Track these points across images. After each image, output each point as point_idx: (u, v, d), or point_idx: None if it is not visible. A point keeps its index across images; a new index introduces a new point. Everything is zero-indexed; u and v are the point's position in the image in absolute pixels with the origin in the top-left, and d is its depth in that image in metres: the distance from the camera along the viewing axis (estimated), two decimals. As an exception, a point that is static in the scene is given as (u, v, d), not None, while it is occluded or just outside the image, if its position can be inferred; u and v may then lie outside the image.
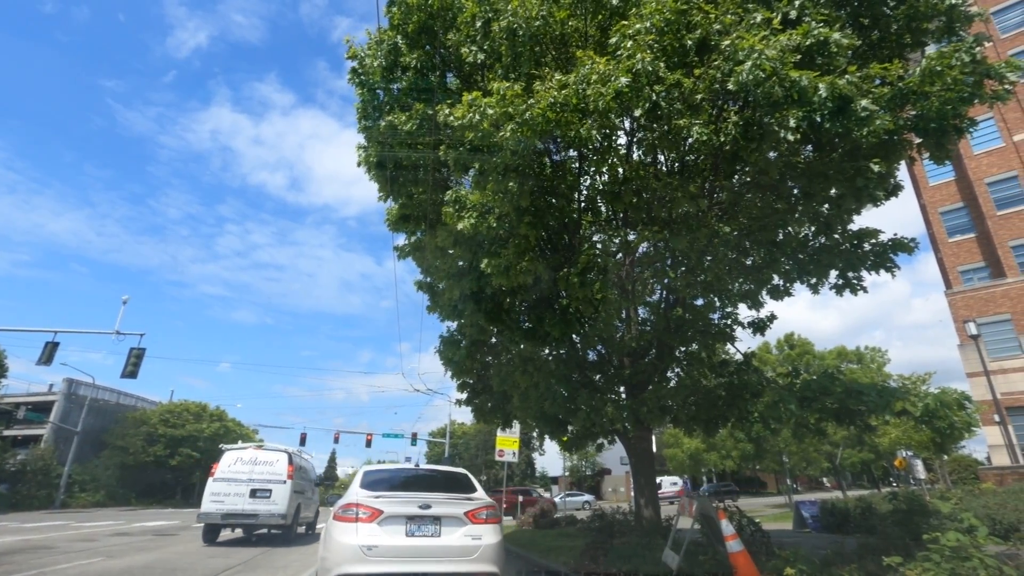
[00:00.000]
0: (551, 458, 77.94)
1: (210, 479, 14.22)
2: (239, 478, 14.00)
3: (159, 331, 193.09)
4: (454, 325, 11.96)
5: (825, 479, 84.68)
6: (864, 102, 5.09)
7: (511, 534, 15.80)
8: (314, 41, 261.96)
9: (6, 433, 42.76)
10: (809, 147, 6.02)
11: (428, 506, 5.58)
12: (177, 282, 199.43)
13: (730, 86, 5.08)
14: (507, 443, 18.33)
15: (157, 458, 48.53)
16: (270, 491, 13.91)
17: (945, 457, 24.94)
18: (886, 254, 7.66)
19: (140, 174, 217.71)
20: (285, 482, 14.12)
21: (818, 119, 5.05)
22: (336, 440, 49.32)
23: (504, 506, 30.44)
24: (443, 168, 9.85)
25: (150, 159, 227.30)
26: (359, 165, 10.95)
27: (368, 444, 49.84)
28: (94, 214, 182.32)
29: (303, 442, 48.92)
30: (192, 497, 58.49)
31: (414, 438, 50.84)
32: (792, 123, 4.87)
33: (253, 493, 13.87)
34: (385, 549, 5.27)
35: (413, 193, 11.12)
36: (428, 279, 12.20)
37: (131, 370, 20.17)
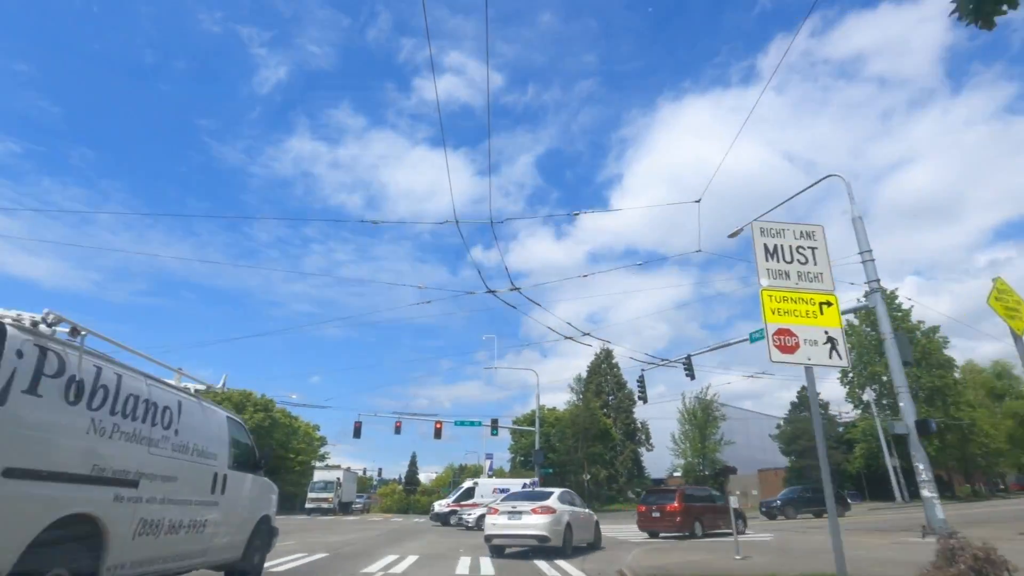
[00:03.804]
0: (659, 455, 64.17)
1: None
2: None
3: (256, 350, 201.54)
4: None
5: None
6: None
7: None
8: (381, 64, 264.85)
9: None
10: None
11: (516, 507, 12.21)
12: (271, 302, 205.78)
13: None
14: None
15: (194, 456, 40.81)
16: None
17: None
18: None
19: (234, 203, 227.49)
20: None
21: None
22: (398, 430, 39.17)
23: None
24: None
25: (242, 188, 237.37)
26: None
27: (438, 435, 39.35)
28: (197, 243, 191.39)
29: (357, 433, 39.25)
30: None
31: (494, 426, 39.73)
32: None
33: None
34: (501, 524, 12.05)
35: None
36: None
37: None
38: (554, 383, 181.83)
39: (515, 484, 35.44)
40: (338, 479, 43.16)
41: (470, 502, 28.98)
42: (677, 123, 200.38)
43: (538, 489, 13.69)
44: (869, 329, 49.31)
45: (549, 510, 11.78)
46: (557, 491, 13.16)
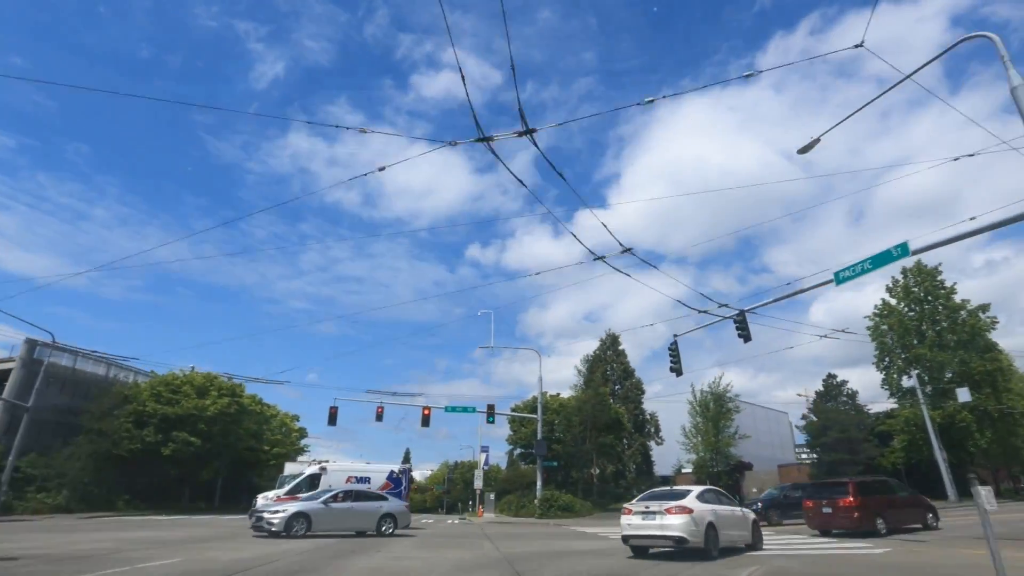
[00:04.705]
0: (666, 449, 59.11)
1: None
2: None
3: (253, 346, 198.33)
4: None
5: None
6: None
7: None
8: (379, 60, 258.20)
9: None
10: None
11: (649, 507, 11.43)
12: (268, 299, 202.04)
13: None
14: None
15: (147, 445, 35.45)
16: None
17: None
18: None
19: (231, 199, 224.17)
20: None
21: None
22: (379, 417, 34.06)
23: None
24: None
25: (239, 184, 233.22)
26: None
27: (425, 422, 34.43)
28: (194, 239, 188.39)
29: (333, 420, 34.34)
30: (213, 500, 45.53)
31: (490, 412, 34.65)
32: None
33: None
34: (635, 525, 11.46)
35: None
36: None
37: None
38: (552, 383, 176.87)
39: (378, 472, 26.85)
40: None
41: (306, 495, 20.63)
42: (675, 121, 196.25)
43: (676, 488, 13.24)
44: (907, 309, 44.43)
45: (685, 510, 11.01)
46: (697, 489, 12.22)
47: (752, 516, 13.19)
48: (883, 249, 13.18)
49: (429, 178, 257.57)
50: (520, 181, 9.49)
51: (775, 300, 16.28)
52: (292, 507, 15.90)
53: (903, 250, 12.72)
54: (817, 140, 15.88)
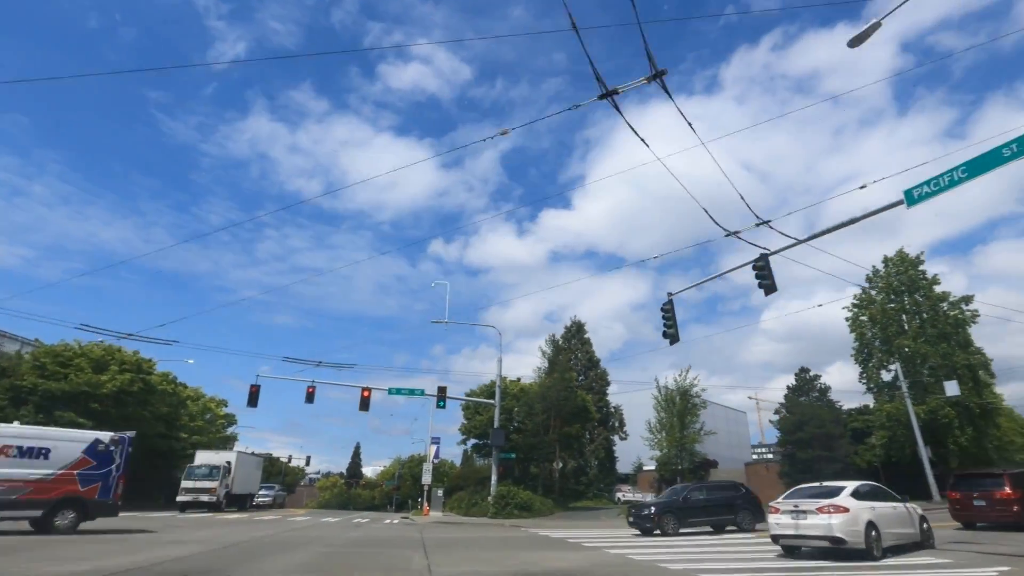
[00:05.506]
0: (631, 445, 55.93)
1: None
2: None
3: (203, 335, 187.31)
4: None
5: None
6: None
7: None
8: (346, 46, 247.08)
9: None
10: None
11: (798, 506, 10.75)
12: (220, 287, 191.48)
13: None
14: None
15: (24, 428, 29.31)
16: None
17: None
18: None
19: (184, 182, 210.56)
20: None
21: None
22: (310, 397, 28.98)
23: None
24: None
25: (193, 167, 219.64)
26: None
27: (365, 406, 29.70)
28: (142, 222, 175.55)
29: (253, 400, 29.23)
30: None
31: (441, 396, 30.10)
32: None
33: None
34: (783, 524, 10.85)
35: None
36: None
37: None
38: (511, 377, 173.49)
39: (66, 441, 15.47)
40: (227, 463, 32.51)
41: None
42: (640, 127, 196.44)
43: (828, 484, 11.76)
44: (887, 300, 42.35)
45: (840, 509, 10.16)
46: (852, 485, 11.26)
47: (919, 511, 12.15)
48: (986, 151, 9.42)
49: (393, 170, 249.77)
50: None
51: (824, 232, 12.47)
52: None
53: (1021, 146, 8.98)
54: (877, 25, 12.19)
